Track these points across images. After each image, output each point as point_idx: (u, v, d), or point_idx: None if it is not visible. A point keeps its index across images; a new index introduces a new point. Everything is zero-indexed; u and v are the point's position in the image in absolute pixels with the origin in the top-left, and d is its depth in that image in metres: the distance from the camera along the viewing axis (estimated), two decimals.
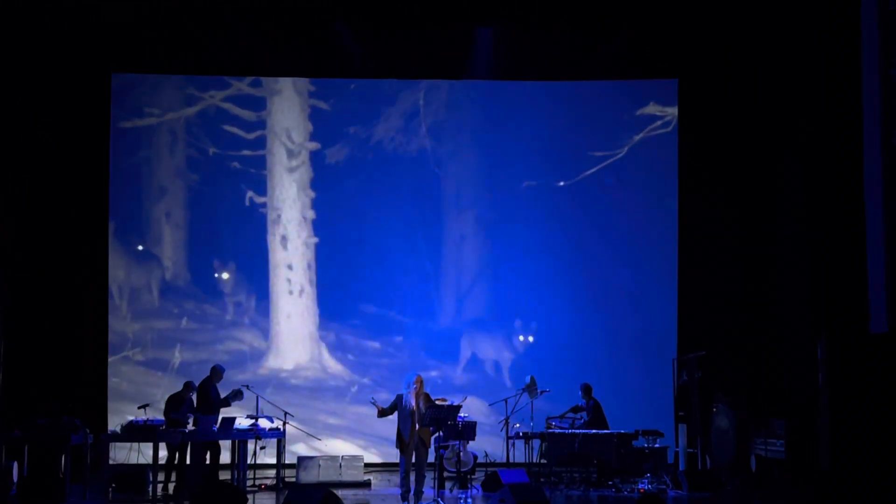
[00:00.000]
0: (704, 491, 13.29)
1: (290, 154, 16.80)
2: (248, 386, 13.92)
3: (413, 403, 11.98)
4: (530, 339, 16.71)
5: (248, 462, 13.59)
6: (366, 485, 14.34)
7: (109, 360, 16.17)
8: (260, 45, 16.05)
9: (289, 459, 14.73)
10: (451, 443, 13.59)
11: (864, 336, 12.71)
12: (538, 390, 14.38)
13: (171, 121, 16.74)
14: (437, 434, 12.04)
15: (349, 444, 16.25)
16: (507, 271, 16.95)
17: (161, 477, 13.38)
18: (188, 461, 13.31)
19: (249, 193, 16.71)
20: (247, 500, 12.14)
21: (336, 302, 16.75)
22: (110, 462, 13.32)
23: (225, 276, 16.58)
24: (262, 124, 16.81)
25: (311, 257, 16.77)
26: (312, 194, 16.81)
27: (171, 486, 13.62)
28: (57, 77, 15.76)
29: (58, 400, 13.21)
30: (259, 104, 16.83)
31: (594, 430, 14.01)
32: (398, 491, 12.31)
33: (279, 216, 16.76)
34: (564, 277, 16.82)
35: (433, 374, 16.48)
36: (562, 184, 16.98)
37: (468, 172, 17.10)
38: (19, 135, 15.44)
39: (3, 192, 15.23)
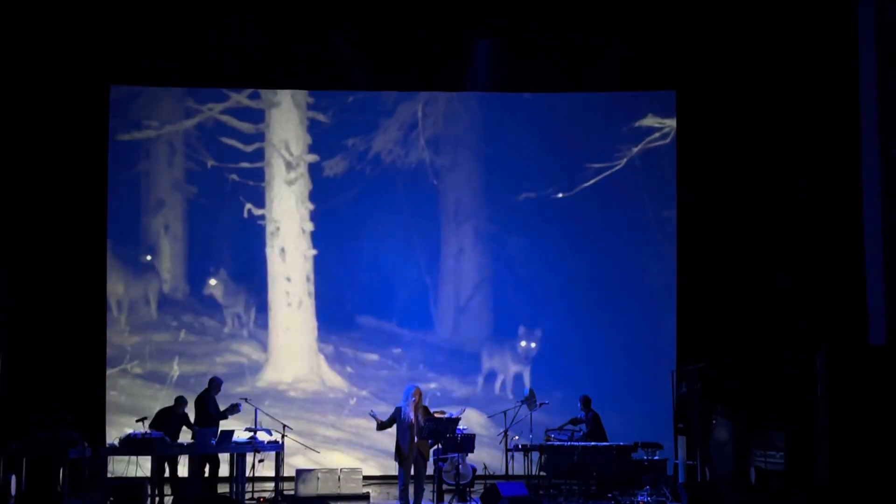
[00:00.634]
0: (704, 503, 13.25)
1: (289, 166, 16.79)
2: (246, 399, 13.90)
3: (412, 416, 11.97)
4: (529, 351, 16.68)
5: (247, 475, 13.55)
6: (364, 498, 14.32)
7: (108, 372, 16.12)
8: (258, 57, 16.05)
9: (287, 472, 14.68)
10: (449, 455, 13.56)
11: (863, 348, 12.72)
12: (537, 402, 14.36)
13: (170, 133, 16.74)
14: (435, 447, 12.03)
15: (348, 456, 16.19)
16: (505, 283, 16.93)
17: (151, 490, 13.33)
18: (188, 474, 13.27)
19: (248, 206, 16.70)
20: None
21: (335, 314, 16.72)
22: (108, 475, 13.28)
23: (223, 288, 16.56)
24: (260, 136, 16.81)
25: (310, 269, 16.75)
26: (311, 206, 16.80)
27: (167, 500, 13.57)
28: (56, 89, 15.74)
29: (56, 413, 13.18)
30: (257, 116, 16.84)
31: (593, 443, 13.99)
32: (397, 503, 12.29)
33: (278, 228, 16.75)
34: (563, 289, 16.80)
35: (432, 386, 16.46)
36: (560, 196, 16.97)
37: (466, 184, 17.10)
38: (18, 147, 15.43)
39: (1, 205, 15.22)
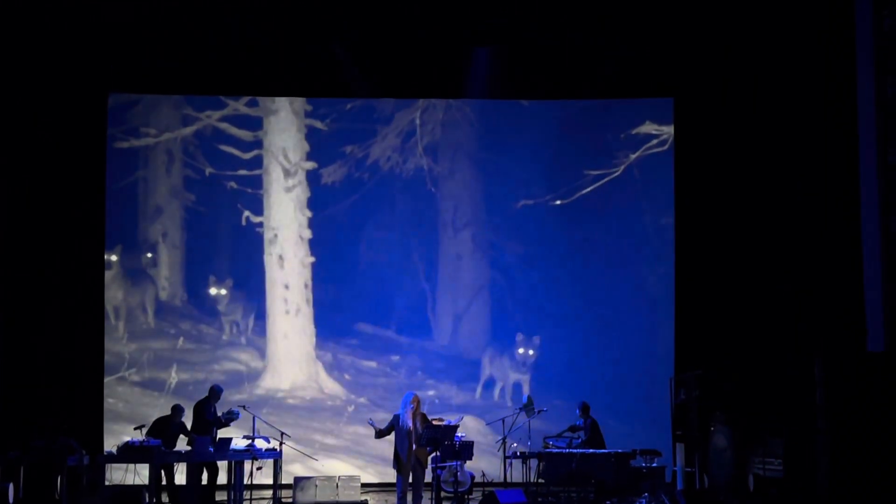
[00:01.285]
0: None
1: (287, 174, 16.80)
2: (244, 406, 13.87)
3: (410, 423, 11.96)
4: (527, 358, 16.67)
5: (245, 483, 13.53)
6: None
7: (105, 380, 16.10)
8: (256, 64, 16.06)
9: (285, 480, 14.64)
10: (448, 463, 13.54)
11: (861, 355, 12.70)
12: (535, 410, 14.35)
13: (168, 140, 16.75)
14: (434, 454, 12.02)
15: (346, 463, 16.17)
16: (503, 290, 16.94)
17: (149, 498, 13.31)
18: (185, 482, 13.25)
19: (246, 213, 16.70)
20: None
21: (333, 321, 16.71)
22: (106, 483, 13.26)
23: (221, 295, 16.55)
24: (258, 144, 16.83)
25: (308, 277, 16.75)
26: (309, 214, 16.80)
27: None
28: (54, 96, 15.73)
29: (54, 420, 13.16)
30: (255, 124, 16.85)
31: (592, 450, 13.98)
32: None
33: (276, 236, 16.74)
34: (561, 296, 16.81)
35: (430, 393, 16.45)
36: (558, 203, 16.98)
37: (464, 191, 17.12)
38: (16, 154, 15.41)
39: None
